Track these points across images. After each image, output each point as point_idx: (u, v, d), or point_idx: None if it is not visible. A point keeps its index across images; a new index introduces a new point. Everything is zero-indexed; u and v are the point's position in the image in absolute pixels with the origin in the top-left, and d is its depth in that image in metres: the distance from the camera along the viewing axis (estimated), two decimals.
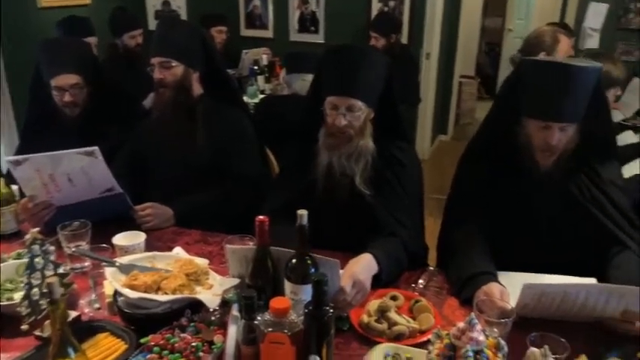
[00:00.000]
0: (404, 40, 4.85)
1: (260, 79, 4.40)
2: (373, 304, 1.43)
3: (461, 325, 1.05)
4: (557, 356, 1.16)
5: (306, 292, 1.22)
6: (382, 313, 1.40)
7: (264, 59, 4.54)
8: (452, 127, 6.59)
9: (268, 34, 5.41)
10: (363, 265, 1.50)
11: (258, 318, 1.15)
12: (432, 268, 1.75)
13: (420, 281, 1.64)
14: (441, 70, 5.68)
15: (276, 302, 1.12)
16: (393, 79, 1.78)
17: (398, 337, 1.34)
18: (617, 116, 3.26)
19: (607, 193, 1.66)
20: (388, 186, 1.76)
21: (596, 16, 4.17)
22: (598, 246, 1.63)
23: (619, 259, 1.57)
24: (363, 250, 1.58)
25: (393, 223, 1.72)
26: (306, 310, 1.11)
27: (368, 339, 1.35)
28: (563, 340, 1.21)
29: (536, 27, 3.17)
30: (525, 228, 1.68)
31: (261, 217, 1.31)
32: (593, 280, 1.50)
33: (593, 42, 4.19)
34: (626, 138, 2.87)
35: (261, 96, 4.09)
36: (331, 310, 1.12)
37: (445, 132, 6.52)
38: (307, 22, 5.22)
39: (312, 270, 1.26)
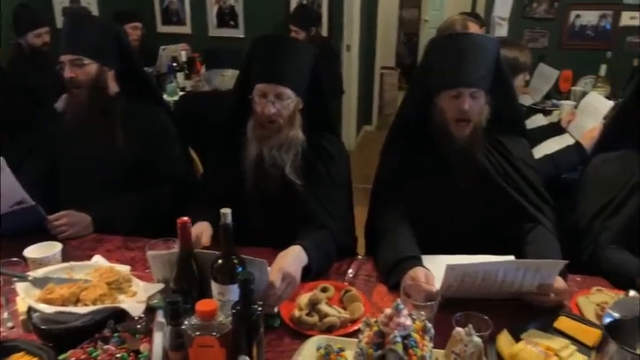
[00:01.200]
0: (324, 32, 4.88)
1: (180, 76, 4.28)
2: (303, 298, 1.42)
3: (388, 311, 1.06)
4: (482, 333, 1.20)
5: (234, 292, 1.19)
6: (313, 305, 1.40)
7: (183, 56, 4.42)
8: (376, 117, 6.72)
9: (186, 29, 5.28)
10: (292, 257, 1.50)
11: (185, 322, 1.11)
12: (360, 256, 1.78)
13: (350, 271, 1.66)
14: (362, 62, 5.76)
15: (201, 305, 1.09)
16: (320, 71, 1.79)
17: (329, 329, 1.35)
18: (527, 100, 3.43)
19: (519, 170, 1.75)
20: (318, 177, 1.77)
21: (504, 5, 4.38)
22: (513, 222, 1.71)
23: (533, 235, 1.66)
24: (293, 243, 1.57)
25: (323, 215, 1.73)
26: (234, 311, 1.09)
27: (300, 333, 1.35)
28: (486, 317, 1.25)
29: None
30: (446, 208, 1.74)
31: (183, 218, 1.26)
32: (511, 258, 1.58)
33: (502, 30, 4.40)
34: (537, 121, 3.02)
35: (182, 93, 3.99)
36: (259, 309, 1.10)
37: (370, 122, 6.64)
38: (226, 17, 5.13)
39: (239, 269, 1.24)
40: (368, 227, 1.91)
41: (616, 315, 1.11)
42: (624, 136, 1.79)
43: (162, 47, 4.46)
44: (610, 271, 1.60)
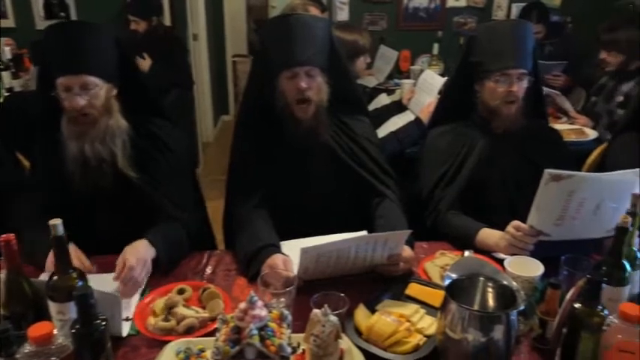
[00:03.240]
0: (167, 22, 4.66)
1: (5, 75, 3.82)
2: (158, 303, 1.35)
3: (242, 305, 1.04)
4: (339, 311, 1.24)
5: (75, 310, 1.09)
6: (169, 309, 1.33)
7: (8, 52, 3.95)
8: (232, 106, 6.63)
9: (9, 23, 4.70)
10: (142, 248, 1.45)
11: (20, 352, 0.99)
12: (219, 250, 1.73)
13: (208, 267, 1.61)
14: (211, 51, 5.62)
15: (33, 330, 0.97)
16: (131, 52, 1.68)
17: (189, 331, 1.30)
18: (372, 82, 3.59)
19: (364, 148, 1.83)
20: (155, 167, 1.67)
21: None
22: (362, 199, 1.79)
23: (381, 209, 1.74)
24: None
25: (169, 206, 1.65)
26: (73, 330, 0.99)
27: (158, 340, 1.28)
28: (342, 294, 1.29)
29: None
30: (300, 190, 1.76)
31: (6, 236, 1.12)
32: (364, 233, 1.64)
33: (343, 14, 4.55)
34: (382, 100, 3.17)
35: (7, 94, 3.57)
36: (103, 323, 1.02)
37: (227, 112, 6.54)
38: (55, 8, 4.67)
39: (80, 283, 1.14)
40: (225, 219, 1.87)
41: (454, 275, 1.19)
42: (453, 110, 1.95)
43: None
44: (450, 235, 1.74)
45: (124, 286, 1.39)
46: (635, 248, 1.27)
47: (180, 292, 1.44)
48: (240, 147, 1.83)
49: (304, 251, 1.38)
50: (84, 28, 1.57)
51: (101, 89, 1.56)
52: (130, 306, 1.39)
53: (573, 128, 2.97)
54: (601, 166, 2.06)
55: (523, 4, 4.13)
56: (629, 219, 1.16)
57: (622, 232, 1.16)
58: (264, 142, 1.76)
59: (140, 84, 1.73)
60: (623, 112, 2.78)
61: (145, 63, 3.72)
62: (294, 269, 1.44)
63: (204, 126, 5.49)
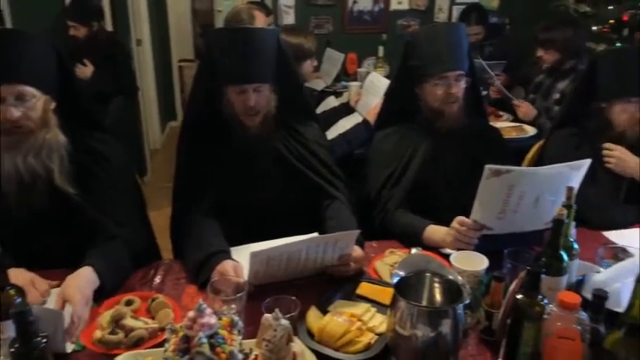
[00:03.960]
0: (108, 27, 4.54)
1: None
2: (105, 316, 1.31)
3: (191, 314, 1.03)
4: (291, 314, 1.24)
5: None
6: (117, 322, 1.29)
7: None
8: (180, 112, 6.52)
9: None
10: (84, 280, 1.37)
11: None
12: (167, 260, 1.70)
13: (157, 277, 1.58)
14: (156, 56, 5.51)
15: None
16: (71, 60, 1.62)
17: (137, 343, 1.26)
18: (319, 85, 3.60)
19: (314, 152, 1.84)
20: (95, 183, 1.59)
21: None
22: (313, 201, 1.80)
23: (331, 210, 1.76)
24: (82, 263, 1.43)
25: (109, 224, 1.57)
26: (12, 349, 0.95)
27: (107, 355, 1.24)
28: (294, 297, 1.29)
29: None
30: (250, 196, 1.75)
31: None
32: (315, 235, 1.64)
33: (289, 18, 4.57)
34: (330, 103, 3.18)
35: None
36: (44, 341, 0.98)
37: (174, 118, 6.42)
38: None
39: (18, 300, 1.09)
40: (173, 227, 1.83)
41: (402, 273, 1.21)
42: (397, 112, 1.98)
43: None
44: (399, 233, 1.77)
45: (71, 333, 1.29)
46: (571, 239, 1.33)
47: (128, 303, 1.40)
48: (186, 152, 1.80)
49: (254, 255, 1.37)
50: (19, 36, 1.49)
51: (38, 100, 1.47)
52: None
53: (514, 126, 3.09)
54: (539, 161, 2.14)
55: (463, 7, 4.25)
56: (565, 211, 1.21)
57: (558, 224, 1.21)
58: (211, 147, 1.75)
59: (79, 96, 1.65)
60: (559, 109, 2.91)
61: (86, 70, 3.60)
62: (245, 274, 1.43)
63: (151, 133, 5.38)
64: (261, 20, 2.91)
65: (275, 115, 1.76)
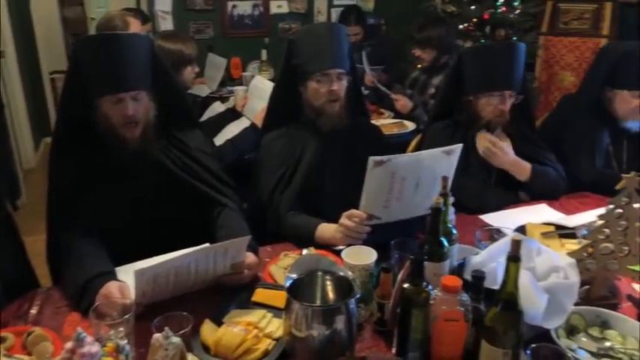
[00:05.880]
0: None
1: None
2: None
3: (68, 345, 0.95)
4: (183, 331, 1.19)
5: None
6: None
7: None
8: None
9: None
10: None
11: None
12: (45, 288, 1.57)
13: (33, 308, 1.44)
14: (23, 69, 5.09)
15: None
16: None
17: None
18: (204, 91, 3.53)
19: (198, 160, 1.79)
20: None
21: None
22: (202, 211, 1.75)
23: (222, 219, 1.72)
24: None
25: None
26: None
27: None
28: (185, 313, 1.24)
29: None
30: (131, 210, 1.67)
31: None
32: (207, 245, 1.59)
33: (168, 24, 4.42)
34: (216, 108, 3.13)
35: None
36: None
37: (49, 134, 5.97)
38: None
39: None
40: (49, 251, 1.69)
41: (294, 275, 1.22)
42: (284, 114, 1.99)
43: None
44: (292, 235, 1.78)
45: None
46: (450, 225, 1.41)
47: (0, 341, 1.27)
48: (58, 169, 1.67)
49: (139, 274, 1.30)
50: None
51: None
52: None
53: (395, 122, 3.23)
54: None
55: (341, 9, 4.37)
56: (441, 200, 1.28)
57: (437, 212, 1.28)
58: (85, 163, 1.64)
59: None
60: (433, 103, 3.09)
61: None
62: (132, 295, 1.35)
63: (24, 151, 4.96)
64: (136, 27, 2.78)
65: (155, 125, 1.69)
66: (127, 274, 1.46)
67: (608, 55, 2.24)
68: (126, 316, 1.22)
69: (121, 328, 1.21)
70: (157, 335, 1.09)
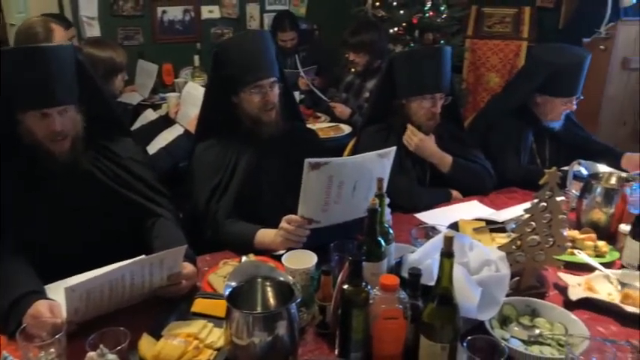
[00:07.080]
0: None
1: None
2: None
3: None
4: (120, 347, 1.15)
5: None
6: None
7: None
8: None
9: None
10: None
11: None
12: None
13: None
14: None
15: None
16: None
17: None
18: (135, 98, 3.44)
19: (129, 169, 1.74)
20: None
21: (89, 5, 4.20)
22: (135, 222, 1.70)
23: (156, 229, 1.68)
24: None
25: None
26: None
27: None
28: (121, 328, 1.20)
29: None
30: (62, 226, 1.60)
31: None
32: (139, 258, 1.54)
33: (94, 30, 4.23)
34: (148, 116, 3.05)
35: None
36: None
37: None
38: None
39: None
40: None
41: (233, 283, 1.20)
42: (216, 122, 1.97)
43: None
44: (231, 243, 1.75)
45: None
46: (386, 225, 1.43)
47: None
48: None
49: (70, 290, 1.24)
50: None
51: None
52: None
53: (331, 125, 3.26)
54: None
55: (274, 14, 4.37)
56: (377, 201, 1.31)
57: (373, 213, 1.30)
58: (12, 177, 1.56)
59: None
60: (366, 107, 3.15)
61: None
62: (64, 313, 1.29)
63: None
64: (60, 34, 2.66)
65: (84, 137, 1.63)
66: (58, 291, 1.39)
67: (541, 64, 2.33)
68: (57, 336, 1.17)
69: (52, 349, 1.16)
70: (91, 354, 1.06)
